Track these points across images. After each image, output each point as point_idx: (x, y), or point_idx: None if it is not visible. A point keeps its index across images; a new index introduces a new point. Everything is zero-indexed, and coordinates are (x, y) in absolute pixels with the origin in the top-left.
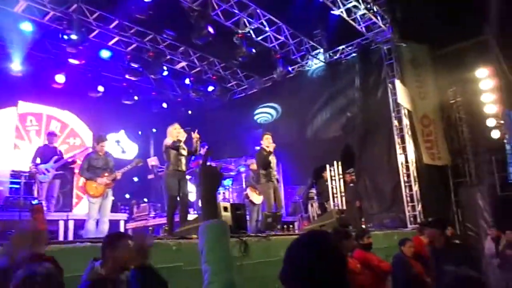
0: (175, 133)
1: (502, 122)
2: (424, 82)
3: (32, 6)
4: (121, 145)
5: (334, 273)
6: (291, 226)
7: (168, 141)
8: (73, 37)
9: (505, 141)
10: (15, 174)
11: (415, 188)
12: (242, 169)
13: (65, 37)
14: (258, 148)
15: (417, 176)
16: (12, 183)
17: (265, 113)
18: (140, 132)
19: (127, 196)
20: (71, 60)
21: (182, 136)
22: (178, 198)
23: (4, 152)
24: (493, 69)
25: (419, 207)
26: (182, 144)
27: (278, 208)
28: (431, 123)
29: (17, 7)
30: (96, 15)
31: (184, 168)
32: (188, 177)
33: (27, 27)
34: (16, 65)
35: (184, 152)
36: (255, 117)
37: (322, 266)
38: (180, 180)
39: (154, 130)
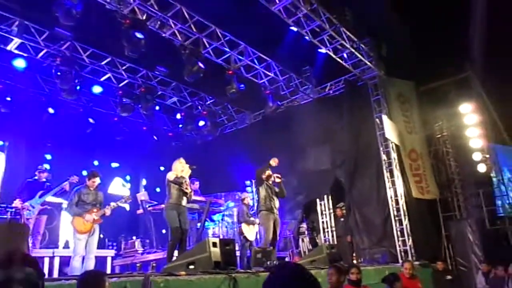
0: (180, 167)
1: (487, 156)
2: (411, 117)
3: (26, 43)
4: None
5: None
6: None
7: (171, 175)
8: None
9: (491, 174)
10: (1, 209)
11: (405, 222)
12: (231, 204)
13: (58, 73)
14: None
15: (407, 210)
16: None
17: None
18: None
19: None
20: (65, 96)
21: (187, 172)
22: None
23: None
24: (476, 104)
25: (409, 242)
26: (186, 180)
27: (275, 240)
28: (419, 157)
29: (11, 45)
30: (89, 52)
31: (184, 203)
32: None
33: (20, 63)
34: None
35: (186, 189)
36: None
37: None
38: (180, 215)
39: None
